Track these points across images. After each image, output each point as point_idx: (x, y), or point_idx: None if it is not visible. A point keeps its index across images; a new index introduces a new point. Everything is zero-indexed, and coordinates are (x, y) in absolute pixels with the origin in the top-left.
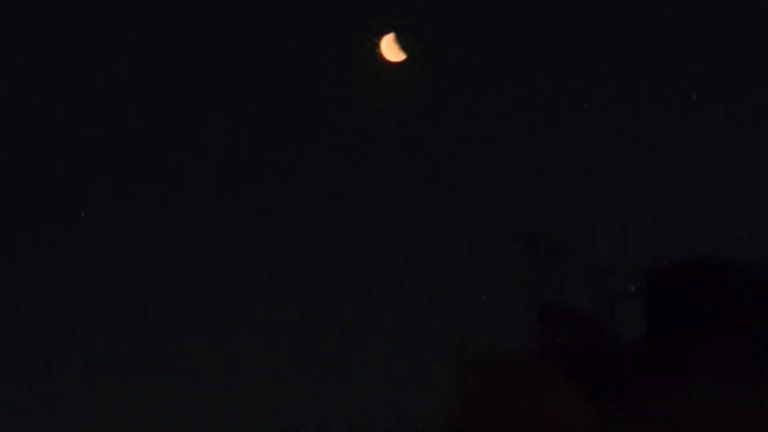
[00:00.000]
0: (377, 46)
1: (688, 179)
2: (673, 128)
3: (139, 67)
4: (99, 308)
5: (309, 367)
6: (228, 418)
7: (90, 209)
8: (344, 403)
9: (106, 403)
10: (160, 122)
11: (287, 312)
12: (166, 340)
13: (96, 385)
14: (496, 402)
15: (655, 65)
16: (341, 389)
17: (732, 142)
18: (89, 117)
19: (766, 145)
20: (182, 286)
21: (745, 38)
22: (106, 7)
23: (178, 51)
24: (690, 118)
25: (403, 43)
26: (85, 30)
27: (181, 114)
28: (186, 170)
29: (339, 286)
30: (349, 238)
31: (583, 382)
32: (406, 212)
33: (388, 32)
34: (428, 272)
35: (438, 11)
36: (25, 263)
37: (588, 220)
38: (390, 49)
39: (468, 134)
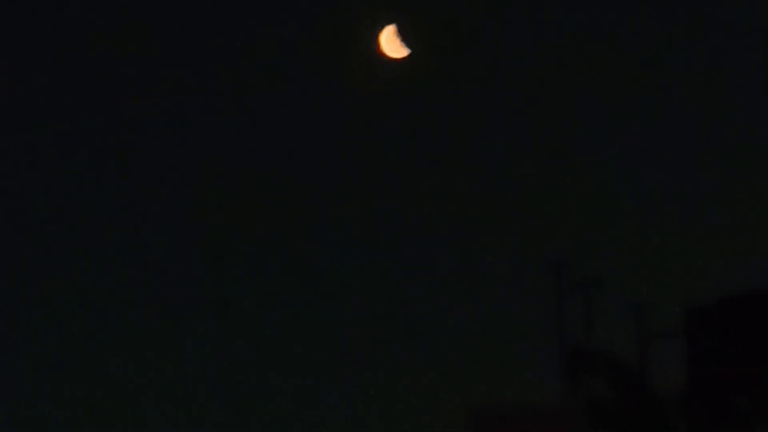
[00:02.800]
0: (375, 39)
1: (730, 210)
2: (713, 162)
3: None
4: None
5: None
6: None
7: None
8: None
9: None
10: (153, 119)
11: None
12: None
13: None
14: None
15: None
16: None
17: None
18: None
19: None
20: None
21: None
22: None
23: (172, 44)
24: (730, 156)
25: (405, 36)
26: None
27: (173, 111)
28: (178, 172)
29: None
30: (352, 273)
31: None
32: (410, 241)
33: (387, 24)
34: (435, 314)
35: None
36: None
37: (618, 248)
38: (390, 43)
39: (481, 145)
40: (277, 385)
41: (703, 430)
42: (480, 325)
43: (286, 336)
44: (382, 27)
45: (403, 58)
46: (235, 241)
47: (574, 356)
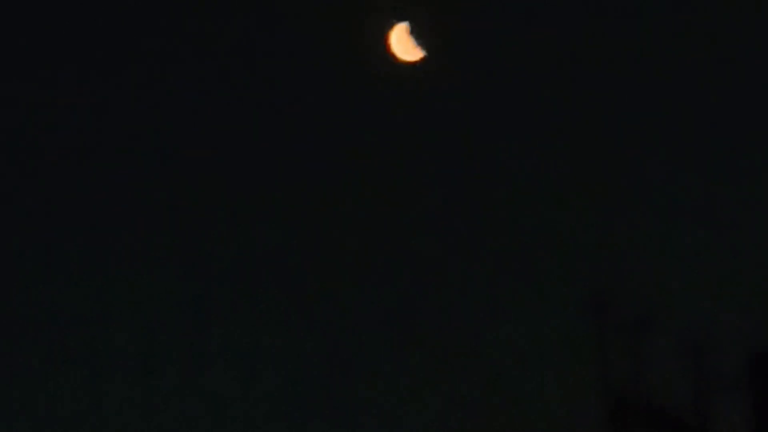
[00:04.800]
0: (385, 40)
1: None
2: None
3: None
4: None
5: None
6: None
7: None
8: None
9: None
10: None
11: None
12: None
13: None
14: None
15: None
16: None
17: None
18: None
19: None
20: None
21: None
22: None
23: (177, 44)
24: None
25: (418, 36)
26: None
27: (179, 112)
28: (185, 172)
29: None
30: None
31: None
32: (427, 274)
33: (398, 21)
34: (461, 360)
35: None
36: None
37: (671, 282)
38: (402, 43)
39: (507, 165)
40: None
41: None
42: (511, 373)
43: None
44: (392, 25)
45: (417, 62)
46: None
47: (619, 408)
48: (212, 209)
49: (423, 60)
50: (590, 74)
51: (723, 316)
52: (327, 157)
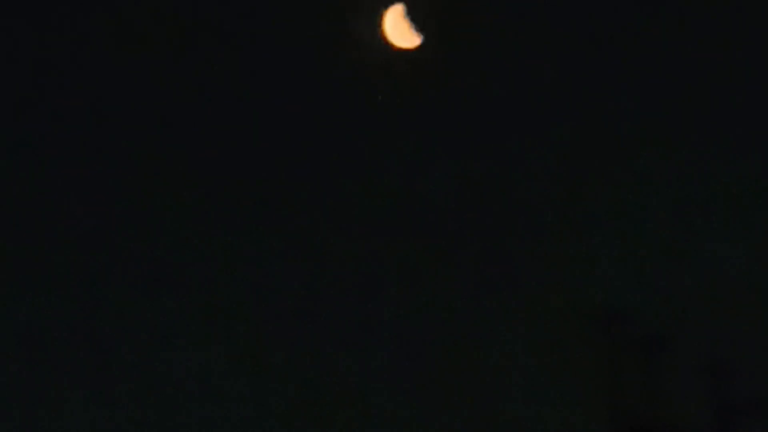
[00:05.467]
0: (378, 23)
1: None
2: None
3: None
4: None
5: None
6: None
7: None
8: None
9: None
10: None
11: None
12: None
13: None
14: None
15: None
16: None
17: None
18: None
19: None
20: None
21: None
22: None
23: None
24: None
25: (417, 19)
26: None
27: (169, 107)
28: (179, 170)
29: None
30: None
31: None
32: (432, 287)
33: (393, 3)
34: (465, 375)
35: None
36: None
37: (688, 298)
38: (397, 28)
39: (514, 165)
40: None
41: None
42: (514, 394)
43: None
44: (386, 7)
45: (414, 49)
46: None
47: None
48: (201, 202)
49: (421, 46)
50: (602, 68)
51: (745, 334)
52: (317, 156)
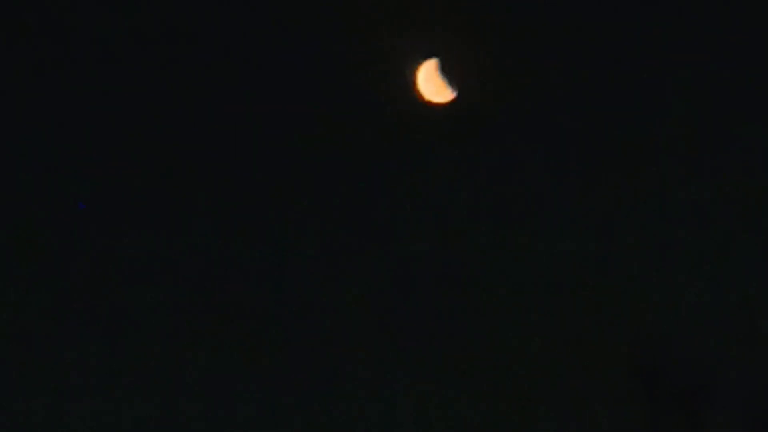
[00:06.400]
0: (412, 78)
1: None
2: None
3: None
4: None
5: None
6: None
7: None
8: None
9: None
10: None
11: None
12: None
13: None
14: None
15: None
16: None
17: None
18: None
19: None
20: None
21: None
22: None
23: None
24: None
25: (450, 74)
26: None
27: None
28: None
29: None
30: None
31: None
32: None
33: (427, 57)
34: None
35: (503, 26)
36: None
37: (730, 346)
38: (430, 83)
39: (543, 214)
40: None
41: None
42: None
43: None
44: (420, 61)
45: (448, 103)
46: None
47: None
48: (227, 239)
49: (454, 101)
50: (642, 124)
51: None
52: (350, 210)
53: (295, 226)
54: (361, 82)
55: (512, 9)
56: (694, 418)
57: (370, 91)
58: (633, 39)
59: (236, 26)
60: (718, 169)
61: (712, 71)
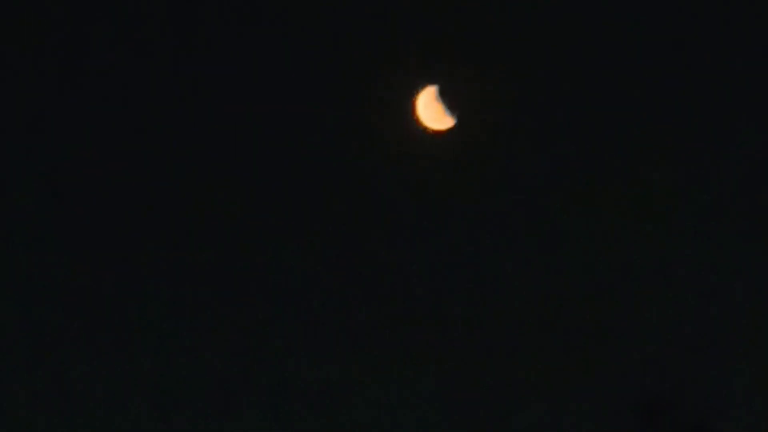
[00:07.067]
0: (411, 104)
1: None
2: None
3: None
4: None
5: None
6: None
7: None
8: None
9: None
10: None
11: None
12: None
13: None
14: None
15: None
16: None
17: None
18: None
19: None
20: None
21: None
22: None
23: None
24: None
25: (450, 101)
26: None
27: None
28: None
29: None
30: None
31: None
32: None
33: (427, 84)
34: None
35: (504, 52)
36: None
37: (735, 384)
38: (430, 110)
39: (551, 251)
40: None
41: None
42: None
43: None
44: (420, 88)
45: (447, 131)
46: None
47: None
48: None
49: (454, 129)
50: (643, 147)
51: None
52: (347, 238)
53: (291, 256)
54: (360, 109)
55: (514, 35)
56: None
57: (369, 119)
58: (644, 63)
59: (229, 56)
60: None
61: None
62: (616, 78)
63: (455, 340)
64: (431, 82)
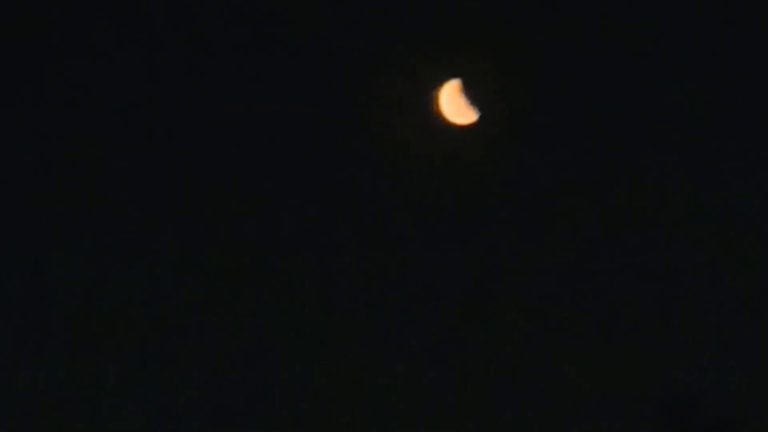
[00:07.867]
0: (434, 99)
1: None
2: None
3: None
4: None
5: None
6: None
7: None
8: None
9: None
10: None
11: None
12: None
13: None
14: None
15: None
16: None
17: None
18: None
19: None
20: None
21: None
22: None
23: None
24: None
25: (473, 95)
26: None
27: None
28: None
29: None
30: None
31: None
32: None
33: (450, 79)
34: None
35: (526, 46)
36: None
37: (759, 382)
38: (453, 104)
39: (572, 247)
40: None
41: None
42: None
43: None
44: (443, 82)
45: (470, 125)
46: None
47: None
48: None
49: (477, 122)
50: (664, 143)
51: None
52: (368, 231)
53: (307, 250)
54: (384, 103)
55: (537, 29)
56: None
57: (392, 113)
58: (661, 55)
59: (248, 56)
60: None
61: None
62: (641, 73)
63: (491, 331)
64: (455, 76)
